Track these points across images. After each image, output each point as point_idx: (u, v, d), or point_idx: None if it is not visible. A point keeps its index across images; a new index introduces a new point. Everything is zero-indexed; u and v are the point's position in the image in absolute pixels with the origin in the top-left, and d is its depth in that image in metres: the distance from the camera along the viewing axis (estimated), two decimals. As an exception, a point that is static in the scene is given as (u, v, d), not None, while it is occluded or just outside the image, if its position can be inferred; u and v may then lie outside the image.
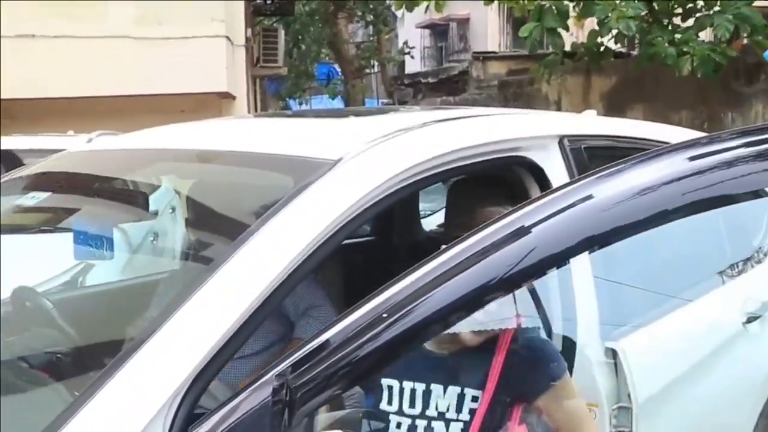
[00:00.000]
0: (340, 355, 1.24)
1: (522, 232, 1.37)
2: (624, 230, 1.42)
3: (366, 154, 1.71)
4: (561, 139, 2.14)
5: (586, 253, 1.96)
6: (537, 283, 1.97)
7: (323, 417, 1.48)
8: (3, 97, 11.29)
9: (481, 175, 2.29)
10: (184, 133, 2.24)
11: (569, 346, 2.01)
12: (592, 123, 2.60)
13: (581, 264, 1.99)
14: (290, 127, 2.39)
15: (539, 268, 1.42)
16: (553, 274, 1.99)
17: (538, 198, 1.51)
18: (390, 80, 22.72)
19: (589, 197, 1.42)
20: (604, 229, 1.40)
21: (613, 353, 2.01)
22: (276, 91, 22.04)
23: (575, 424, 1.90)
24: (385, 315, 1.25)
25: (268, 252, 1.47)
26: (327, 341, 1.26)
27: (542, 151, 2.10)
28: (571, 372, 1.99)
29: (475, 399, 1.81)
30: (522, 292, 1.93)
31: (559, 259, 1.47)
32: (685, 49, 8.12)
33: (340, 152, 1.70)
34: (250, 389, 1.25)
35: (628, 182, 1.44)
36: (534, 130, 2.20)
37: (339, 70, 22.33)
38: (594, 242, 1.48)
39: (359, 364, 1.26)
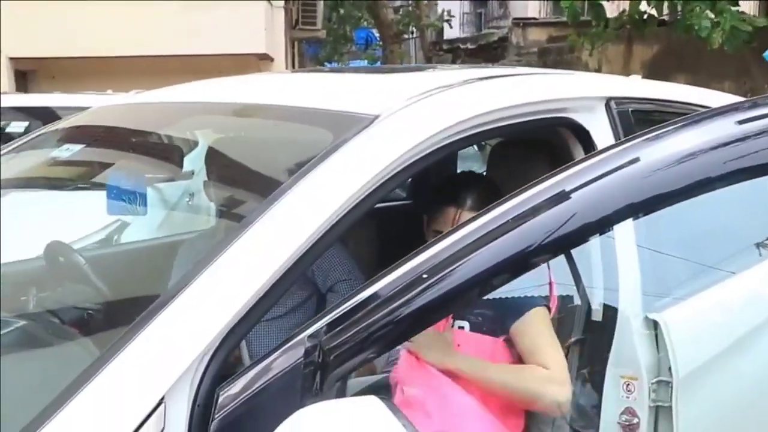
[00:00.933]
0: (376, 316, 1.20)
1: (563, 196, 1.31)
2: (669, 197, 1.36)
3: (406, 111, 1.65)
4: (608, 101, 2.06)
5: (630, 220, 1.91)
6: (577, 249, 1.91)
7: (355, 382, 1.44)
8: (44, 56, 11.35)
9: (523, 137, 2.22)
10: (220, 88, 2.20)
11: (610, 315, 1.95)
12: (639, 86, 2.51)
13: (624, 231, 1.92)
14: (329, 83, 2.33)
15: (580, 235, 1.37)
16: (594, 241, 1.93)
17: (580, 161, 1.44)
18: (429, 46, 22.47)
19: (635, 161, 1.35)
20: (648, 195, 1.34)
21: (655, 325, 1.94)
22: (314, 54, 21.93)
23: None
24: (425, 276, 1.19)
25: (301, 210, 1.42)
26: (363, 301, 1.22)
27: (588, 113, 2.02)
28: (610, 342, 1.94)
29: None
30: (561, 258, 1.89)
31: (601, 226, 1.41)
32: (717, 20, 7.87)
33: (380, 108, 1.64)
34: (281, 350, 1.21)
35: (674, 146, 1.37)
36: (580, 91, 2.12)
37: (377, 35, 22.11)
38: (638, 209, 1.42)
39: (395, 327, 1.21)
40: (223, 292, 1.29)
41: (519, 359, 1.98)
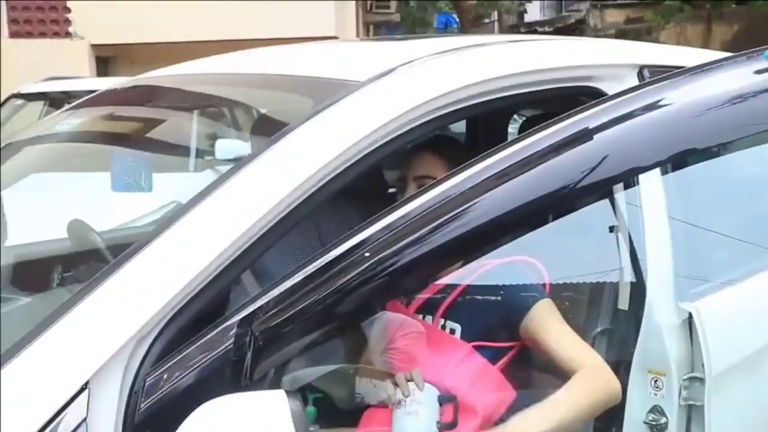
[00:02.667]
0: (313, 299, 1.06)
1: (584, 136, 1.14)
2: (704, 145, 1.19)
3: (394, 76, 1.50)
4: (641, 70, 1.86)
5: (660, 183, 1.71)
6: (598, 217, 1.73)
7: (289, 378, 1.30)
8: (123, 42, 11.57)
9: (542, 108, 2.03)
10: (220, 61, 2.07)
11: (637, 303, 1.76)
12: (677, 53, 2.28)
13: (655, 200, 1.72)
14: (336, 51, 2.18)
15: (601, 186, 1.23)
16: (619, 208, 1.74)
17: (605, 100, 1.27)
18: (507, 29, 22.04)
19: (667, 103, 1.18)
20: (682, 141, 1.17)
21: (688, 315, 1.74)
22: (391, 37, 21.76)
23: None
24: (367, 254, 1.05)
25: (262, 183, 1.27)
26: (300, 282, 1.08)
27: (619, 83, 1.82)
28: (637, 333, 1.75)
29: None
30: (579, 224, 1.70)
31: (627, 174, 1.23)
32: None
33: (367, 74, 1.49)
34: (210, 335, 1.08)
35: (715, 87, 1.19)
36: (609, 58, 1.92)
37: (456, 19, 21.81)
38: (669, 156, 1.24)
39: (335, 311, 1.07)
40: (163, 272, 1.17)
41: (482, 372, 1.73)
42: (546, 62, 1.73)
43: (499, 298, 1.72)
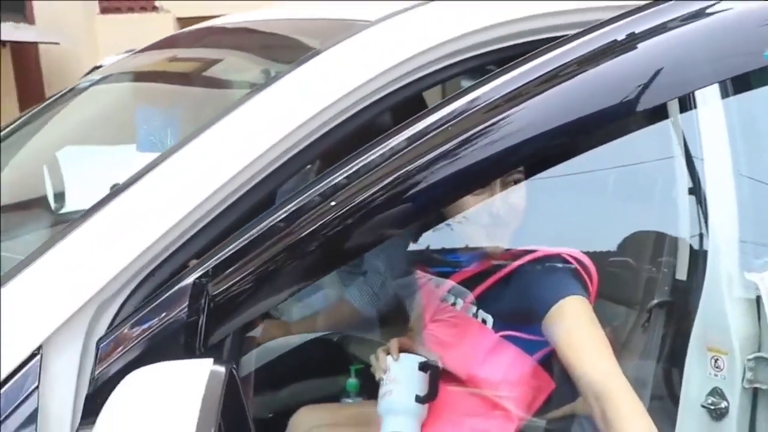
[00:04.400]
0: (273, 254, 0.94)
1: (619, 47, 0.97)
2: None
3: (416, 13, 1.33)
4: None
5: (725, 135, 1.51)
6: (655, 179, 1.53)
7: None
8: (207, 14, 11.67)
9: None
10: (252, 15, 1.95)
11: (697, 273, 1.56)
12: None
13: (719, 156, 1.52)
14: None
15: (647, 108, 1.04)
16: (677, 167, 1.55)
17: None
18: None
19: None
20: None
21: (755, 288, 1.53)
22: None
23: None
24: (333, 203, 0.91)
25: (265, 120, 1.14)
26: (260, 236, 0.95)
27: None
28: (696, 307, 1.56)
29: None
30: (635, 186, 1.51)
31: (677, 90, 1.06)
32: None
33: (379, 14, 1.33)
34: (164, 297, 0.97)
35: None
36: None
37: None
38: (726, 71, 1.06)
39: (297, 268, 0.95)
40: (128, 230, 1.05)
41: (515, 361, 1.54)
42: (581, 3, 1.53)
43: (530, 291, 1.50)
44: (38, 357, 0.97)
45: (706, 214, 1.54)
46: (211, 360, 0.84)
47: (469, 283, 1.60)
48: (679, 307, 1.62)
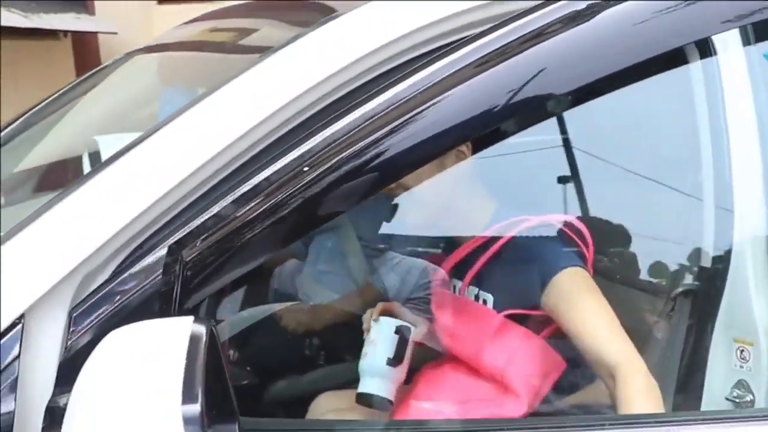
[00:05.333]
0: (249, 219, 0.94)
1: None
2: None
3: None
4: None
5: (751, 106, 1.44)
6: (678, 155, 1.47)
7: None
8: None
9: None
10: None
11: (722, 258, 1.50)
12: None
13: (745, 138, 1.45)
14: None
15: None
16: (702, 143, 1.48)
17: None
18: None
19: None
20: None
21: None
22: None
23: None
24: (306, 168, 0.89)
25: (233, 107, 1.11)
26: (235, 201, 0.95)
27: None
28: (720, 295, 1.49)
29: None
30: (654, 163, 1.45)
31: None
32: None
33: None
34: (138, 265, 0.95)
35: None
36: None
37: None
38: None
39: (272, 233, 0.95)
40: (116, 200, 1.03)
41: (522, 341, 1.50)
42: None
43: (525, 265, 1.46)
44: (20, 326, 0.97)
45: (732, 200, 1.47)
46: (191, 318, 0.83)
47: (465, 264, 1.56)
48: (704, 296, 1.55)
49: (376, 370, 1.53)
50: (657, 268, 1.64)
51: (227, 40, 2.03)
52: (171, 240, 0.97)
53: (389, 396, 1.52)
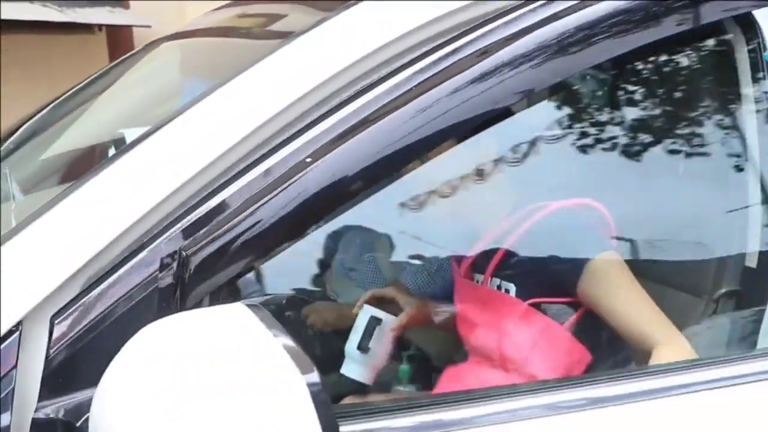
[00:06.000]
0: (250, 212, 0.90)
1: None
2: None
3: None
4: None
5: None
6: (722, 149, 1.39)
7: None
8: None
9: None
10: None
11: (766, 257, 1.41)
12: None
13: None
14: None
15: None
16: (745, 141, 1.39)
17: None
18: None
19: None
20: None
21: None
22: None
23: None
24: (308, 160, 0.84)
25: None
26: (235, 194, 0.91)
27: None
28: (764, 301, 1.40)
29: None
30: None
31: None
32: None
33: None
34: (131, 262, 0.90)
35: None
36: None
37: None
38: None
39: (275, 226, 0.91)
40: (119, 199, 0.97)
41: (546, 331, 1.46)
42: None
43: (554, 251, 1.42)
44: (17, 334, 0.92)
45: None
46: (239, 303, 0.81)
47: (487, 256, 1.50)
48: (749, 298, 1.46)
49: (351, 354, 1.66)
50: (698, 267, 1.55)
51: (255, 25, 1.98)
52: (164, 237, 0.91)
53: (362, 380, 1.67)
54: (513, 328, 1.43)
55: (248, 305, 0.82)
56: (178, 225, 0.93)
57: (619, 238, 1.46)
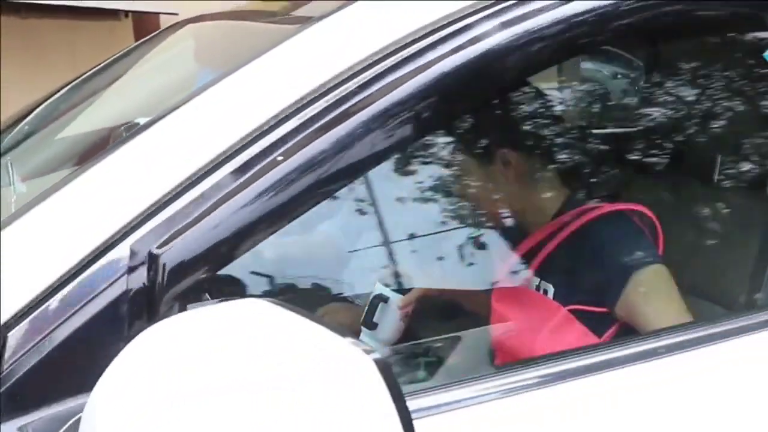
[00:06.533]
0: (224, 208, 0.85)
1: None
2: None
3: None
4: None
5: None
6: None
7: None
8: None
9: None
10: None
11: None
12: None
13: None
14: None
15: None
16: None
17: None
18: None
19: None
20: None
21: None
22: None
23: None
24: (280, 158, 0.83)
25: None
26: (209, 190, 0.86)
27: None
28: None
29: None
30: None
31: None
32: None
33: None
34: (94, 266, 0.82)
35: None
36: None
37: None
38: None
39: (249, 221, 0.87)
40: (109, 196, 0.91)
41: (586, 337, 1.38)
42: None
43: (599, 257, 1.34)
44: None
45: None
46: (254, 299, 0.74)
47: (530, 253, 1.43)
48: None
49: (364, 331, 1.69)
50: (735, 280, 1.46)
51: (278, 9, 1.92)
52: (131, 238, 0.84)
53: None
54: (547, 331, 1.35)
55: (268, 299, 0.76)
56: (148, 224, 0.86)
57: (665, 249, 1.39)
